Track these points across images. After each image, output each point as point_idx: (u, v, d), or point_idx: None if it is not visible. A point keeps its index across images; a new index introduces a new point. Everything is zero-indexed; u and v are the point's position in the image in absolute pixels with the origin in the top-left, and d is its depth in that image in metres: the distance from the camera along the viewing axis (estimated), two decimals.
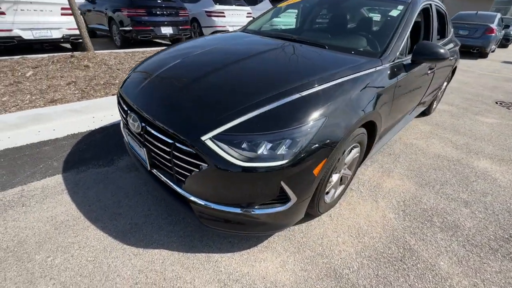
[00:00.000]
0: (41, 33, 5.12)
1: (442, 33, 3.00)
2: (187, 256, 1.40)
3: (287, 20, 2.95)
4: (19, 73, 3.31)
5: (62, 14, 5.34)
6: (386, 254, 1.49)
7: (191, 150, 1.17)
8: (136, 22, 6.21)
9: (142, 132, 1.37)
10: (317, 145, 1.18)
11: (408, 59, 1.86)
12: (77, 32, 5.59)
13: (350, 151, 1.64)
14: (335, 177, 1.61)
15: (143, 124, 1.36)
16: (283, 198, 1.24)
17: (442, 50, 1.74)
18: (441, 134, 3.05)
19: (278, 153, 1.12)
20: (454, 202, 1.94)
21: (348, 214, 1.76)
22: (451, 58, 2.97)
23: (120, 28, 6.39)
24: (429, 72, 2.29)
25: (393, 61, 1.71)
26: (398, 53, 1.76)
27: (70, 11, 5.47)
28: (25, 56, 4.11)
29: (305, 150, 1.15)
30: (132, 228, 1.55)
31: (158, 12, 6.48)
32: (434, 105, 3.56)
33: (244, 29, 2.58)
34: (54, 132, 2.46)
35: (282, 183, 1.17)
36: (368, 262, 1.44)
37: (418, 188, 2.07)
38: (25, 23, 4.90)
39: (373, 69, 1.56)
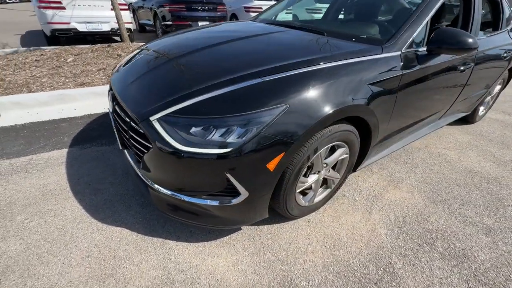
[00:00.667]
0: (93, 26, 5.75)
1: (494, 24, 2.47)
2: (144, 239, 1.39)
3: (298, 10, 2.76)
4: (62, 59, 3.75)
5: (111, 9, 5.89)
6: (359, 273, 1.27)
7: (140, 130, 1.14)
8: (176, 17, 6.56)
9: (112, 111, 1.40)
10: (271, 136, 1.05)
11: (424, 50, 1.55)
12: (125, 25, 6.17)
13: (333, 150, 1.45)
14: (312, 178, 1.43)
15: (114, 103, 1.39)
16: (233, 191, 1.14)
17: (468, 39, 1.41)
18: (483, 146, 2.54)
19: (223, 140, 1.03)
20: (472, 227, 1.58)
21: (330, 222, 1.56)
22: (506, 56, 2.43)
23: (162, 23, 6.82)
24: (462, 68, 1.90)
25: (400, 50, 1.45)
26: (409, 42, 1.48)
27: (119, 7, 6.08)
28: (74, 45, 4.64)
29: (255, 140, 1.03)
30: (106, 204, 1.60)
31: (197, 8, 6.74)
32: (481, 112, 2.98)
33: (255, 19, 2.48)
34: (75, 111, 2.71)
35: (228, 175, 1.07)
36: (334, 278, 1.24)
37: (429, 205, 1.74)
38: (80, 17, 5.55)
39: (366, 57, 1.34)
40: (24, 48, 4.88)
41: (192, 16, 6.70)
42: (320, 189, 1.61)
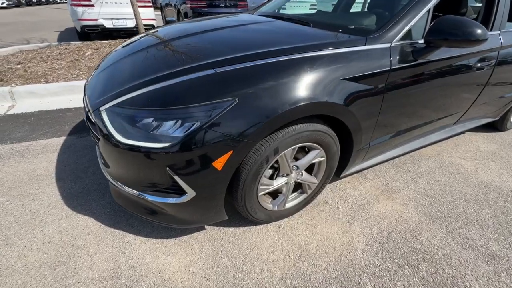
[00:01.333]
0: (119, 22, 6.05)
1: None
2: (106, 230, 1.39)
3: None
4: (82, 53, 3.98)
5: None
6: None
7: (93, 121, 1.13)
8: (198, 13, 6.66)
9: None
10: (216, 132, 0.96)
11: (422, 42, 1.34)
12: (147, 22, 6.42)
13: (306, 151, 1.32)
14: (279, 181, 1.32)
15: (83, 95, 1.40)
16: (178, 190, 1.07)
17: (476, 29, 1.19)
18: (510, 158, 2.18)
19: (165, 134, 0.97)
20: (471, 251, 1.34)
21: (302, 230, 1.43)
22: None
23: (185, 19, 6.98)
24: (478, 65, 1.63)
25: (390, 42, 1.26)
26: (403, 34, 1.29)
27: (143, 4, 6.33)
28: (97, 41, 4.91)
29: (197, 136, 0.95)
30: (81, 193, 1.63)
31: (218, 4, 6.78)
32: None
33: (254, 11, 2.38)
34: (81, 102, 2.85)
35: (169, 171, 1.00)
36: None
37: (424, 221, 1.52)
38: (107, 14, 5.87)
39: (343, 49, 1.18)
40: (56, 43, 5.28)
41: (213, 13, 6.76)
42: (295, 194, 1.49)
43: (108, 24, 5.95)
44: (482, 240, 1.41)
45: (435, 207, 1.62)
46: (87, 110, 1.22)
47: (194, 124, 0.95)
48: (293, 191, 1.49)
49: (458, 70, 1.54)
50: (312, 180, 1.43)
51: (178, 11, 7.30)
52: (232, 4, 6.93)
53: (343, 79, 1.14)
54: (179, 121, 0.96)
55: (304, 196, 1.49)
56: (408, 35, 1.31)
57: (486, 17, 1.69)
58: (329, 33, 1.36)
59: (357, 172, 1.70)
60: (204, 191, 1.08)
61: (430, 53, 1.31)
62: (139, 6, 6.26)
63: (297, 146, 1.20)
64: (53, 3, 26.86)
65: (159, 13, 10.62)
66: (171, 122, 0.97)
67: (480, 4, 1.76)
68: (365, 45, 1.22)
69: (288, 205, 1.44)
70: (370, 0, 2.04)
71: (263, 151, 1.09)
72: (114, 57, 1.55)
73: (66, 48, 4.23)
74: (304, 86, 1.06)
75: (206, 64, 1.10)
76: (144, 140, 0.97)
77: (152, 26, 6.40)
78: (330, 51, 1.16)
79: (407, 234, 1.43)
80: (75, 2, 5.61)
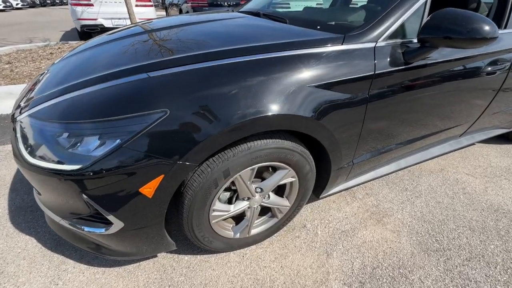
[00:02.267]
0: (118, 22, 5.97)
1: None
2: (44, 254, 1.22)
3: None
4: None
5: (136, 6, 6.07)
6: None
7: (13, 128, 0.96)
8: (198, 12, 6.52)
9: None
10: (141, 152, 0.77)
11: (416, 41, 1.11)
12: None
13: (272, 171, 1.11)
14: (239, 205, 1.11)
15: None
16: (104, 219, 0.88)
17: (483, 25, 0.95)
18: None
19: (78, 153, 0.78)
20: None
21: (270, 262, 1.22)
22: None
23: None
24: (489, 69, 1.37)
25: (375, 41, 1.04)
26: (392, 31, 1.05)
27: (143, 3, 6.24)
28: None
29: (116, 156, 0.76)
30: (31, 207, 1.48)
31: (219, 3, 6.62)
32: None
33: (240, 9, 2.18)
34: None
35: (86, 198, 0.82)
36: None
37: (417, 254, 1.28)
38: (106, 13, 5.80)
39: (314, 50, 0.96)
40: (54, 42, 5.25)
41: (221, 10, 6.60)
42: (264, 218, 1.28)
43: (108, 24, 5.89)
44: (488, 282, 1.16)
45: (432, 237, 1.37)
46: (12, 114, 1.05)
47: (113, 142, 0.77)
48: (263, 214, 1.28)
49: (462, 75, 1.29)
50: (282, 203, 1.22)
51: (180, 11, 7.19)
52: (234, 3, 6.75)
53: (312, 86, 0.93)
54: (96, 138, 0.77)
55: (274, 220, 1.27)
56: (398, 32, 1.08)
57: (500, 13, 1.42)
58: (302, 30, 1.15)
59: (342, 191, 1.48)
60: (135, 222, 0.89)
61: (426, 54, 1.07)
62: (140, 6, 6.23)
63: (256, 166, 1.00)
64: (67, 4, 27.53)
65: (164, 12, 10.58)
66: (86, 139, 0.78)
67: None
68: (342, 45, 1.00)
69: (255, 231, 1.23)
70: None
71: (209, 173, 0.89)
72: (77, 50, 1.39)
73: (59, 48, 4.16)
74: (257, 95, 0.85)
75: (141, 67, 0.91)
76: (55, 160, 0.79)
77: None
78: (295, 51, 0.95)
79: (395, 272, 1.19)
80: (74, 2, 5.57)
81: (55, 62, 1.40)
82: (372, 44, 1.03)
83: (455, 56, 1.21)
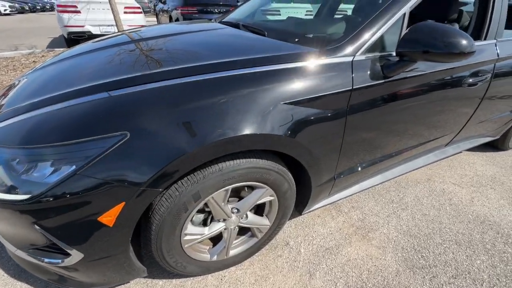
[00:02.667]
0: (106, 29, 5.90)
1: None
2: (7, 282, 1.13)
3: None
4: None
5: (124, 13, 6.02)
6: None
7: None
8: (189, 19, 6.50)
9: None
10: (98, 178, 0.71)
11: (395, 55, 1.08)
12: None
13: (250, 189, 1.06)
14: (215, 227, 1.06)
15: None
16: (62, 249, 0.82)
17: (460, 40, 0.93)
18: (510, 184, 1.89)
19: (29, 180, 0.72)
20: None
21: (250, 284, 1.16)
22: None
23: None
24: (470, 81, 1.36)
25: (353, 55, 1.01)
26: (369, 44, 1.03)
27: (132, 10, 6.19)
28: None
29: (73, 183, 0.70)
30: None
31: (209, 10, 6.61)
32: None
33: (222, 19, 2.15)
34: None
35: (39, 229, 0.75)
36: None
37: (403, 272, 1.24)
38: (94, 20, 5.72)
39: (287, 65, 0.93)
40: (40, 50, 5.14)
41: (204, 19, 6.59)
42: (243, 237, 1.22)
43: (96, 31, 5.81)
44: None
45: (418, 252, 1.34)
46: None
47: (68, 168, 0.70)
48: (242, 234, 1.22)
49: (443, 87, 1.28)
50: (262, 223, 1.17)
51: (170, 18, 7.16)
52: (224, 10, 6.76)
53: (287, 103, 0.89)
54: (49, 164, 0.71)
55: (254, 240, 1.22)
56: (377, 46, 1.06)
57: (479, 24, 1.42)
58: (279, 44, 1.11)
59: (325, 206, 1.44)
60: (95, 252, 0.82)
61: (405, 68, 1.05)
62: (129, 13, 6.18)
63: (229, 187, 0.94)
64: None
65: (155, 18, 10.55)
66: (40, 165, 0.72)
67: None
68: (318, 59, 0.97)
69: (233, 252, 1.18)
70: (352, 5, 1.79)
71: (178, 197, 0.84)
72: (56, 59, 1.33)
73: (43, 56, 4.06)
74: (227, 114, 0.80)
75: (102, 85, 0.85)
76: (5, 188, 0.72)
77: None
78: (269, 67, 0.91)
79: None
80: (61, 9, 5.48)
81: (33, 69, 1.33)
82: (349, 58, 1.00)
83: (435, 69, 1.19)
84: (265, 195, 1.07)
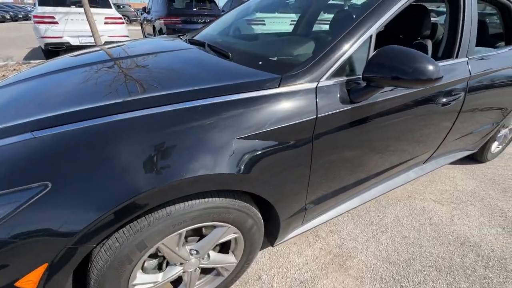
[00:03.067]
0: (86, 39, 5.73)
1: (506, 37, 1.85)
2: None
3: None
4: None
5: (105, 23, 5.89)
6: None
7: None
8: (172, 30, 6.42)
9: None
10: (14, 238, 0.60)
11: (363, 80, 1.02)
12: (119, 39, 6.14)
13: (210, 227, 0.96)
14: (171, 272, 0.95)
15: None
16: None
17: (427, 66, 0.88)
18: (491, 200, 1.87)
19: None
20: None
21: None
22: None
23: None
24: (444, 100, 1.33)
25: (317, 81, 0.94)
26: (335, 68, 0.97)
27: (113, 21, 6.06)
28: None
29: None
30: None
31: (193, 20, 6.56)
32: (494, 148, 2.29)
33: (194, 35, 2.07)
34: None
35: None
36: None
37: None
38: (73, 31, 5.56)
39: (242, 95, 0.85)
40: (14, 62, 4.93)
41: (187, 29, 6.53)
42: (208, 277, 1.12)
43: (74, 42, 5.64)
44: None
45: (397, 282, 1.26)
46: None
47: None
48: (206, 272, 1.12)
49: (416, 108, 1.23)
50: (227, 260, 1.07)
51: (154, 28, 7.07)
52: (208, 20, 6.73)
53: (242, 137, 0.81)
54: None
55: (221, 279, 1.12)
56: (343, 69, 1.00)
57: (451, 43, 1.40)
58: (238, 69, 1.03)
59: (300, 234, 1.35)
60: None
61: (373, 93, 0.99)
62: (110, 23, 6.05)
63: (183, 231, 0.85)
64: None
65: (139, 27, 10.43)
66: None
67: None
68: (278, 87, 0.89)
69: None
70: (311, 18, 1.74)
71: (118, 249, 0.73)
72: (12, 80, 1.20)
73: (14, 69, 3.88)
74: (170, 154, 0.71)
75: (31, 123, 0.75)
76: None
77: None
78: (220, 98, 0.82)
79: None
80: (37, 19, 5.30)
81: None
82: (313, 85, 0.93)
83: (406, 92, 1.14)
84: (227, 233, 0.97)
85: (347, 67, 1.01)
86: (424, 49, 1.48)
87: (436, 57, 1.45)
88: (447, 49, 1.40)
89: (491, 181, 2.08)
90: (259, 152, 0.84)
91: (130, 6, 23.85)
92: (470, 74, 1.42)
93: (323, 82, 0.95)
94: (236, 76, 0.95)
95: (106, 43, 6.01)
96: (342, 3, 1.89)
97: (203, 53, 1.26)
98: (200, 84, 0.89)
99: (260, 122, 0.83)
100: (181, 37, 1.88)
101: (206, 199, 0.83)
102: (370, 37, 1.04)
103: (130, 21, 20.14)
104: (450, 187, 2.00)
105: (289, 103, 0.88)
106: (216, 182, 0.78)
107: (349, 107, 0.99)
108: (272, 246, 1.23)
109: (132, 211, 0.68)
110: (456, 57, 1.39)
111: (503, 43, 1.90)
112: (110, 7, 6.04)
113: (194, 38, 1.67)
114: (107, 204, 0.64)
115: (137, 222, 0.74)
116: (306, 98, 0.91)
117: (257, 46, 1.39)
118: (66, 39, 5.52)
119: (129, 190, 0.66)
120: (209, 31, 1.81)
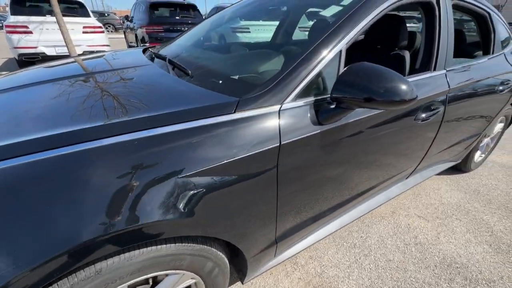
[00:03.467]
0: (63, 49, 5.50)
1: (484, 47, 1.82)
2: None
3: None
4: None
5: (83, 32, 5.69)
6: None
7: None
8: (154, 38, 6.27)
9: None
10: None
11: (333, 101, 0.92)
12: (99, 48, 5.95)
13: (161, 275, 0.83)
14: None
15: None
16: None
17: (399, 85, 0.79)
18: (477, 213, 1.81)
19: None
20: None
21: None
22: (503, 88, 1.75)
23: (141, 44, 6.58)
24: (423, 116, 1.26)
25: (281, 103, 0.84)
26: (302, 88, 0.87)
27: (91, 30, 5.86)
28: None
29: None
30: None
31: (175, 29, 6.45)
32: (477, 158, 2.25)
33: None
34: None
35: None
36: None
37: None
38: (48, 41, 5.33)
39: (190, 125, 0.73)
40: None
41: (169, 38, 6.40)
42: None
43: (50, 52, 5.41)
44: None
45: None
46: None
47: None
48: None
49: (393, 127, 1.15)
50: None
51: (136, 36, 6.91)
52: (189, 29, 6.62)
53: (189, 175, 0.68)
54: None
55: None
56: (310, 89, 0.90)
57: (428, 55, 1.34)
58: (194, 91, 0.91)
59: (275, 266, 1.23)
60: None
61: (343, 115, 0.90)
62: (89, 32, 5.85)
63: (124, 285, 0.71)
64: None
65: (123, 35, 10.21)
66: None
67: None
68: (234, 113, 0.78)
69: None
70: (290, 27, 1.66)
71: None
72: None
73: None
74: (96, 202, 0.58)
75: None
76: None
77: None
78: (161, 130, 0.70)
79: None
80: (10, 29, 5.05)
81: None
82: (275, 108, 0.83)
83: (381, 111, 1.06)
84: (183, 279, 0.84)
85: (315, 86, 0.91)
86: (401, 60, 1.42)
87: (414, 69, 1.38)
88: (425, 61, 1.34)
89: (475, 192, 2.03)
90: (212, 190, 0.72)
91: (115, 14, 23.57)
92: (449, 86, 1.35)
93: (288, 104, 0.85)
94: (188, 101, 0.83)
95: (85, 52, 5.81)
96: (319, 11, 1.82)
97: (159, 72, 1.13)
98: (141, 112, 0.76)
99: (211, 156, 0.71)
100: (150, 49, 1.76)
101: (149, 248, 0.70)
102: (340, 52, 0.94)
103: (115, 29, 19.84)
104: (435, 200, 1.93)
105: (246, 130, 0.77)
106: (156, 230, 0.65)
107: (318, 130, 0.89)
108: (242, 284, 1.10)
109: (50, 274, 0.54)
110: (434, 69, 1.32)
111: (481, 52, 1.87)
112: (88, 16, 5.85)
113: (160, 51, 1.55)
114: (18, 267, 0.51)
115: (58, 285, 0.61)
116: (268, 124, 0.80)
117: (222, 62, 1.27)
118: (41, 49, 5.29)
119: (41, 250, 0.53)
120: (180, 43, 1.69)
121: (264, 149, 0.79)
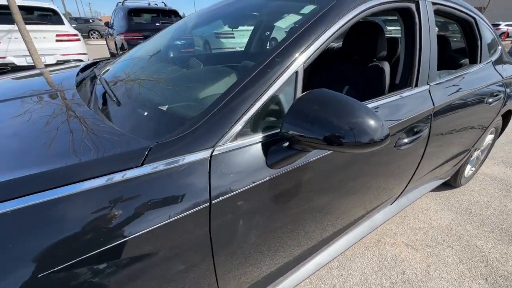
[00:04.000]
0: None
1: (470, 55, 1.66)
2: None
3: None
4: None
5: (57, 41, 5.40)
6: None
7: None
8: (133, 46, 6.02)
9: None
10: None
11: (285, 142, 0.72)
12: (75, 57, 5.66)
13: None
14: None
15: None
16: None
17: (368, 120, 0.60)
18: (469, 238, 1.63)
19: None
20: None
21: None
22: (491, 99, 1.59)
23: (121, 52, 6.31)
24: (405, 140, 1.07)
25: (213, 146, 0.63)
26: (241, 127, 0.66)
27: (66, 38, 5.58)
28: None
29: None
30: None
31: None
32: (468, 172, 2.09)
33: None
34: None
35: None
36: None
37: None
38: (18, 51, 5.03)
39: (78, 188, 0.52)
40: None
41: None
42: None
43: (20, 62, 5.11)
44: None
45: None
46: None
47: None
48: None
49: (368, 159, 0.96)
50: None
51: (115, 43, 6.63)
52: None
53: (67, 266, 0.47)
54: None
55: None
56: (256, 124, 0.70)
57: (408, 69, 1.15)
58: (106, 132, 0.69)
59: None
60: None
61: (297, 157, 0.69)
62: (64, 41, 5.57)
63: None
64: None
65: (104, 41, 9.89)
66: None
67: None
68: (141, 166, 0.57)
69: None
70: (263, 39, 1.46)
71: None
72: None
73: None
74: None
75: None
76: None
77: (81, 61, 5.64)
78: (31, 200, 0.48)
79: None
80: None
81: None
82: (205, 153, 0.62)
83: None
84: None
85: (262, 119, 0.71)
86: (380, 72, 1.24)
87: (394, 84, 1.20)
88: (405, 76, 1.16)
89: (467, 212, 1.86)
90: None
91: (101, 20, 23.12)
92: (434, 104, 1.17)
93: (223, 147, 0.64)
94: (91, 148, 0.61)
95: (58, 62, 5.51)
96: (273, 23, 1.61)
97: (73, 99, 0.90)
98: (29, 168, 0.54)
99: (113, 231, 0.49)
100: (100, 62, 1.54)
101: None
102: (296, 74, 0.75)
103: (101, 35, 19.40)
104: (424, 223, 1.75)
105: (160, 190, 0.56)
106: None
107: (266, 178, 0.68)
108: None
109: None
110: (416, 85, 1.14)
111: (467, 60, 1.71)
112: (62, 23, 5.57)
113: (102, 68, 1.32)
114: None
115: None
116: (193, 178, 0.59)
117: (159, 86, 1.01)
118: (10, 59, 4.98)
119: None
120: (129, 56, 1.47)
121: (189, 212, 0.57)
